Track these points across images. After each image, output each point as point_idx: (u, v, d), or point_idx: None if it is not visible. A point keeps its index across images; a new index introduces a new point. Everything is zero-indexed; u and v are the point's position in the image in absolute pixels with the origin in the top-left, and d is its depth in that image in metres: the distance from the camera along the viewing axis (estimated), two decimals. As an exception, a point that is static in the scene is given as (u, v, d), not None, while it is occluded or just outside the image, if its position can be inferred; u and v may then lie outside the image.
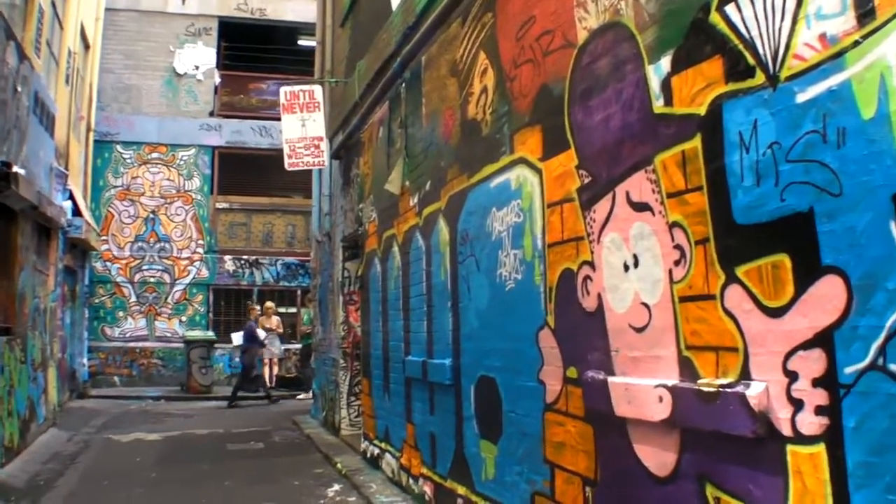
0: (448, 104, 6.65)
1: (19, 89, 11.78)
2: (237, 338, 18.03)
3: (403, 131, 8.04)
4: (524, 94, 5.13)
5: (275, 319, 19.04)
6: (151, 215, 20.73)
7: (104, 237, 20.06)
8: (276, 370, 19.24)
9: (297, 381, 18.38)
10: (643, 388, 3.69)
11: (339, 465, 9.52)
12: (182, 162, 21.02)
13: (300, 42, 21.80)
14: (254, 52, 21.53)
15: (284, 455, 10.85)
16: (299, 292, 20.62)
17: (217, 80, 21.76)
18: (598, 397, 4.08)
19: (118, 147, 20.72)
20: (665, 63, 3.66)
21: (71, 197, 15.27)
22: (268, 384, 18.80)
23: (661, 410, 3.55)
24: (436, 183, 6.91)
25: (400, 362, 7.99)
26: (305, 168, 11.20)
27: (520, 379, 5.04)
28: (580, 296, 4.35)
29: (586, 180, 4.32)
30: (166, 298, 20.55)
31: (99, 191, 20.22)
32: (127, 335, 20.16)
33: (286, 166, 11.05)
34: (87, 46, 18.82)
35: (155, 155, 20.91)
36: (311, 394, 17.45)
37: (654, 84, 3.73)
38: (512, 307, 5.19)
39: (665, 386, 3.53)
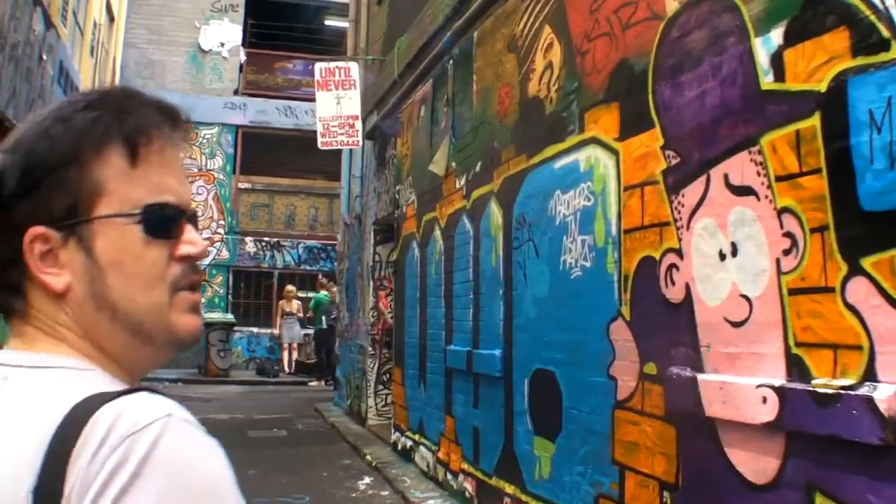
0: (504, 81, 6.39)
1: (45, 58, 11.59)
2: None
3: (450, 110, 7.78)
4: (598, 70, 4.86)
5: (295, 303, 18.86)
6: (172, 194, 20.51)
7: (124, 215, 19.84)
8: (295, 355, 19.07)
9: (317, 367, 18.17)
10: (742, 387, 3.43)
11: (368, 457, 9.31)
12: (205, 140, 20.81)
13: (327, 22, 21.57)
14: (281, 30, 21.31)
15: (309, 444, 10.65)
16: (321, 276, 20.41)
17: (242, 57, 21.55)
18: (683, 396, 3.83)
19: (140, 123, 20.49)
20: (776, 35, 3.39)
21: (93, 172, 15.06)
22: (287, 370, 18.67)
23: (764, 412, 3.29)
24: (487, 164, 6.65)
25: (439, 351, 7.75)
26: (339, 147, 10.97)
27: (585, 373, 4.79)
28: (663, 286, 4.09)
29: (674, 161, 4.06)
30: (185, 279, 20.35)
31: (119, 167, 19.99)
32: (144, 315, 19.97)
33: (319, 145, 10.82)
34: (111, 19, 18.64)
35: (177, 132, 20.69)
36: (322, 382, 17.30)
37: (762, 58, 3.46)
38: (578, 297, 4.94)
39: (770, 386, 3.27)
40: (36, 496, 0.79)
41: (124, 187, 0.93)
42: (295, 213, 21.22)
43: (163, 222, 0.95)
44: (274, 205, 21.14)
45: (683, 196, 3.96)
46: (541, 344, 5.42)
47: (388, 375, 11.44)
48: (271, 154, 20.74)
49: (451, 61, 7.86)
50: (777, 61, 3.39)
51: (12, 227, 0.91)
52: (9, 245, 0.92)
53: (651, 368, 4.16)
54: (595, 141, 4.83)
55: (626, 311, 4.42)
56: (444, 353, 7.51)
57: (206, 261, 20.37)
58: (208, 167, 20.82)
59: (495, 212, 6.43)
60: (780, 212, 3.32)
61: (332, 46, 19.98)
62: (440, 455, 7.62)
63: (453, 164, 7.62)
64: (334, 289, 18.34)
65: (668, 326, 4.02)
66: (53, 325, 0.94)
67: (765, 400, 3.30)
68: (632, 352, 4.33)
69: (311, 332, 18.67)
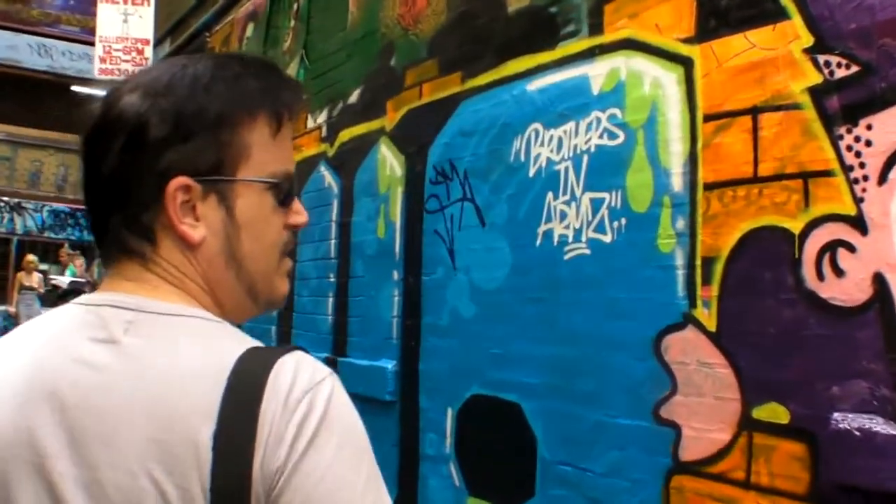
0: (414, -24, 4.41)
1: None
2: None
3: (300, 24, 5.69)
4: (634, -65, 3.03)
5: (36, 277, 15.61)
6: None
7: None
8: (32, 338, 15.84)
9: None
10: None
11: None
12: (-66, 75, 17.01)
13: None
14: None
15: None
16: (66, 246, 17.24)
17: (-11, -19, 17.86)
18: (870, 462, 2.09)
19: None
20: None
21: None
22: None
23: None
24: (374, 92, 4.66)
25: (267, 351, 5.63)
26: (122, 77, 8.44)
27: (597, 411, 2.95)
28: (810, 277, 2.32)
29: (840, 73, 2.31)
30: None
31: None
32: None
33: (96, 73, 8.34)
34: None
35: None
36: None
37: None
38: (581, 288, 3.08)
39: None
40: (219, 439, 0.82)
41: (265, 155, 0.97)
42: (41, 170, 17.80)
43: (287, 194, 1.01)
44: (17, 158, 17.59)
45: (871, 129, 2.22)
46: (486, 358, 3.51)
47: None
48: (19, 98, 17.22)
49: (305, -38, 5.77)
50: None
51: (156, 172, 0.91)
52: (149, 189, 0.92)
53: (773, 412, 2.38)
54: (630, 45, 2.99)
55: (704, 315, 2.61)
56: (280, 354, 5.40)
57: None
58: (-66, 107, 17.02)
59: (388, 158, 4.44)
60: None
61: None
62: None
63: (304, 95, 5.54)
64: (80, 261, 15.40)
65: (825, 345, 2.27)
66: (179, 275, 0.95)
67: None
68: (721, 382, 2.53)
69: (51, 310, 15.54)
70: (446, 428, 3.74)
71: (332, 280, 4.90)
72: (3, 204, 17.20)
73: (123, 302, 0.92)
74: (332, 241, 4.94)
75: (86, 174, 0.95)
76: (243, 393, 0.83)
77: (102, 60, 8.12)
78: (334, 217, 4.96)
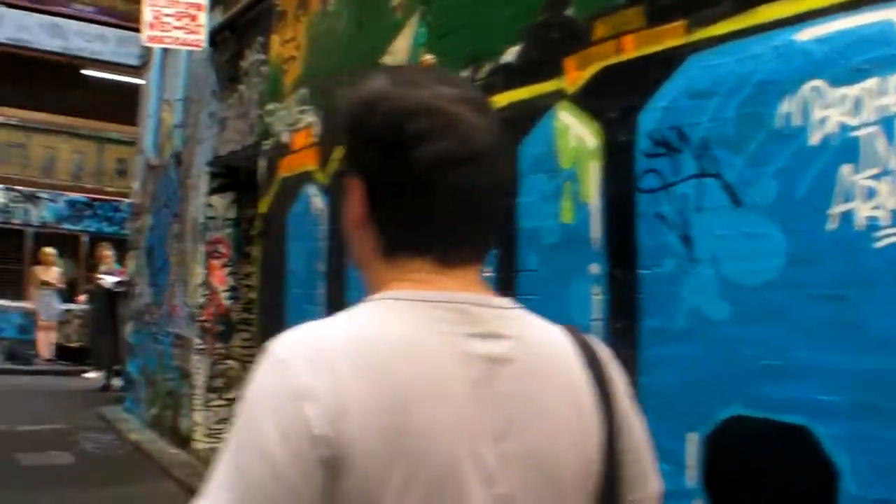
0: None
1: None
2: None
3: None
4: None
5: (54, 271, 15.38)
6: None
7: None
8: (53, 337, 15.54)
9: (83, 352, 14.83)
10: None
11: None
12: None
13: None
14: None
15: (112, 480, 7.60)
16: (86, 239, 16.93)
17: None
18: None
19: None
20: None
21: None
22: (45, 355, 15.31)
23: None
24: (541, 48, 4.24)
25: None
26: (172, 47, 8.14)
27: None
28: None
29: None
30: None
31: None
32: None
33: (144, 40, 8.08)
34: None
35: None
36: (103, 373, 13.93)
37: None
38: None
39: None
40: (599, 399, 1.11)
41: None
42: (56, 157, 17.45)
43: None
44: (30, 145, 17.24)
45: None
46: (753, 370, 3.09)
47: (224, 380, 8.74)
48: (31, 82, 16.94)
49: None
50: None
51: None
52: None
53: None
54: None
55: None
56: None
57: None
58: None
59: (572, 126, 4.01)
60: None
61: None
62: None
63: (429, 56, 5.12)
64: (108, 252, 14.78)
65: None
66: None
67: None
68: None
69: (73, 308, 15.38)
70: (685, 456, 3.32)
71: (488, 275, 4.48)
72: (17, 194, 16.86)
73: (482, 300, 1.08)
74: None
75: (488, 180, 1.09)
76: (594, 362, 1.12)
77: (151, 27, 7.73)
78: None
